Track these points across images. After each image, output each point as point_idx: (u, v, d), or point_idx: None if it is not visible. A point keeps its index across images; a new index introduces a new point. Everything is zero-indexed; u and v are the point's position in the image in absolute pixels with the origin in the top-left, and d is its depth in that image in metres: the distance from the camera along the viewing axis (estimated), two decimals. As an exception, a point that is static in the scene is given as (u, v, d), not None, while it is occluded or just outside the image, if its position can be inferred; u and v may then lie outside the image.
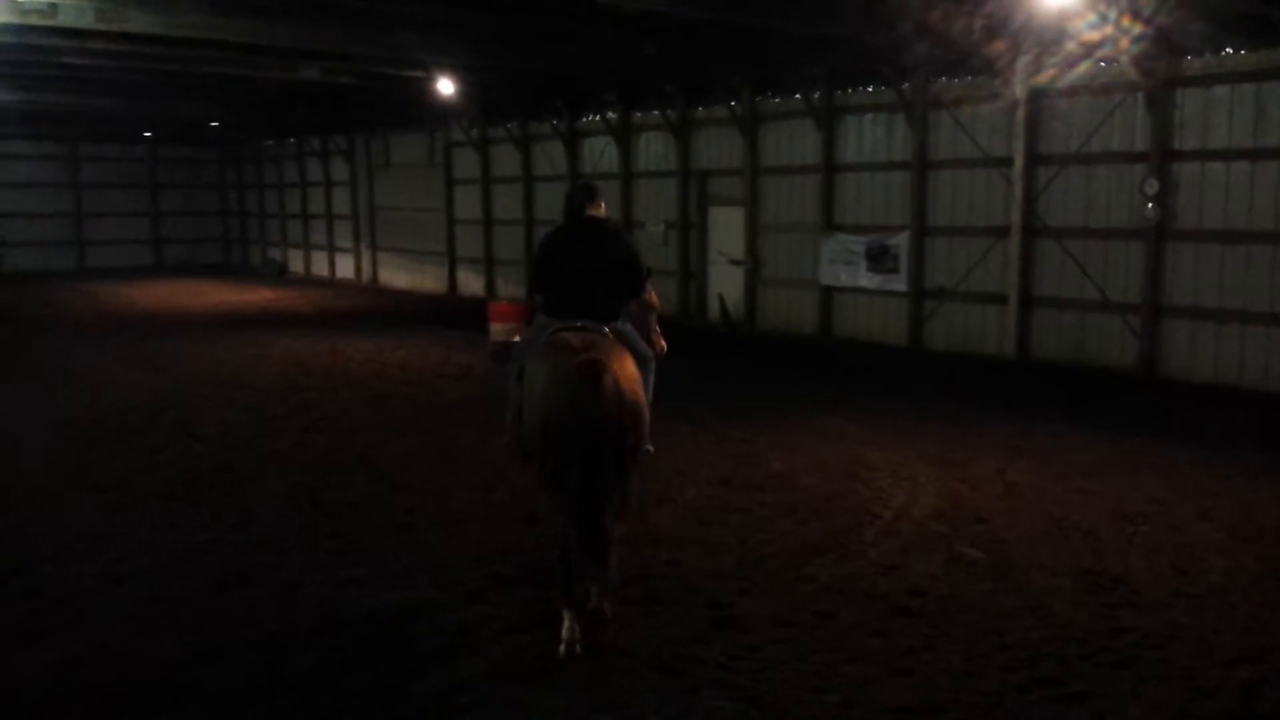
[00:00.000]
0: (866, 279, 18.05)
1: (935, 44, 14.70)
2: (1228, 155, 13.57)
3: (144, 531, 7.90)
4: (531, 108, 24.29)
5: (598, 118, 23.09)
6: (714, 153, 20.89)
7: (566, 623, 5.73)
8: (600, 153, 23.40)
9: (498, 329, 16.23)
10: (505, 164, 26.25)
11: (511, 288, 25.89)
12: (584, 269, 6.41)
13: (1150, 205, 14.21)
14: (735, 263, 20.48)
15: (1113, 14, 11.82)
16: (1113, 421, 11.45)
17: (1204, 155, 13.82)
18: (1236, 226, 13.55)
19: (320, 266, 34.71)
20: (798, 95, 18.70)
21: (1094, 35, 12.85)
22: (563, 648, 5.64)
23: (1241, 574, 6.83)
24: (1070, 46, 13.86)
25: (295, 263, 36.13)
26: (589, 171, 23.75)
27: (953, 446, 10.37)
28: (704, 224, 21.37)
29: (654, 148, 22.24)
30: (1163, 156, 14.11)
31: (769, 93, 19.50)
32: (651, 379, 6.70)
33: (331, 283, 32.81)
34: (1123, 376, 14.46)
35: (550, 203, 24.81)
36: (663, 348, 7.17)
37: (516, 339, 16.97)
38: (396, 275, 30.94)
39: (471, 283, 27.81)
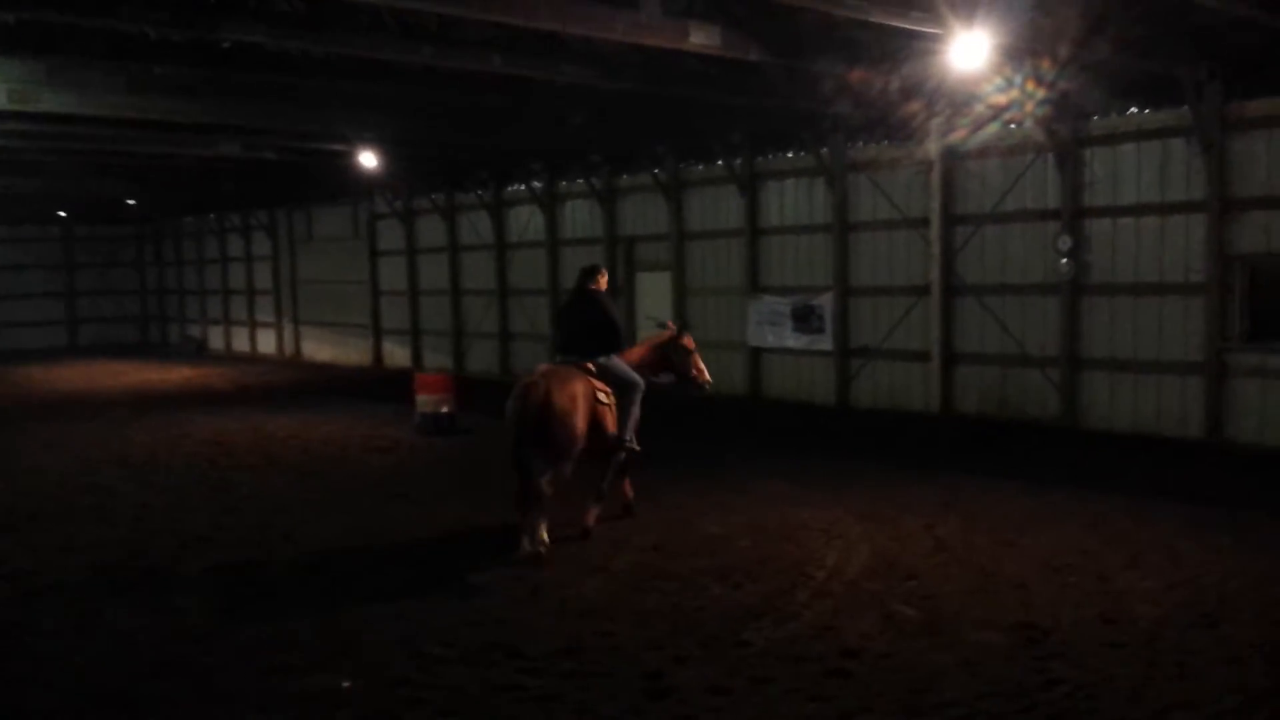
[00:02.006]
0: (793, 339, 18.25)
1: (852, 108, 15.10)
2: (1137, 210, 14.05)
3: (57, 620, 7.56)
4: (457, 179, 24.34)
5: (524, 187, 23.21)
6: (640, 219, 21.09)
7: (524, 542, 8.60)
8: (527, 221, 23.48)
9: (425, 400, 16.08)
10: (430, 234, 26.20)
11: (439, 358, 25.69)
12: (576, 324, 9.59)
13: (1064, 261, 14.61)
14: (662, 326, 20.47)
15: (1018, 79, 12.23)
16: (1038, 474, 11.61)
17: (1114, 211, 14.29)
18: (1148, 279, 13.98)
19: (241, 342, 34.13)
20: (720, 162, 19.02)
21: (1002, 98, 13.28)
22: (522, 555, 8.54)
23: (1169, 622, 6.90)
24: (980, 109, 14.31)
25: (215, 339, 35.46)
26: (515, 240, 23.81)
27: (883, 504, 10.42)
28: (632, 289, 21.47)
29: (580, 215, 22.38)
30: (1074, 213, 14.56)
31: (692, 160, 19.80)
32: (635, 397, 9.48)
33: (253, 358, 32.24)
34: (1046, 428, 14.72)
35: (477, 272, 24.83)
36: (707, 380, 10.29)
37: (445, 409, 16.74)
38: (320, 349, 30.53)
39: (397, 354, 27.54)
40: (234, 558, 9.16)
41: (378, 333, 28.30)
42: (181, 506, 11.29)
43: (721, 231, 19.41)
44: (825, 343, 17.74)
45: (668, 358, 10.11)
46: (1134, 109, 14.02)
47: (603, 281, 9.81)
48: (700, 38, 10.67)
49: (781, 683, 6.08)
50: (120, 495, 11.95)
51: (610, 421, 9.23)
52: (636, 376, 9.51)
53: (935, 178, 16.03)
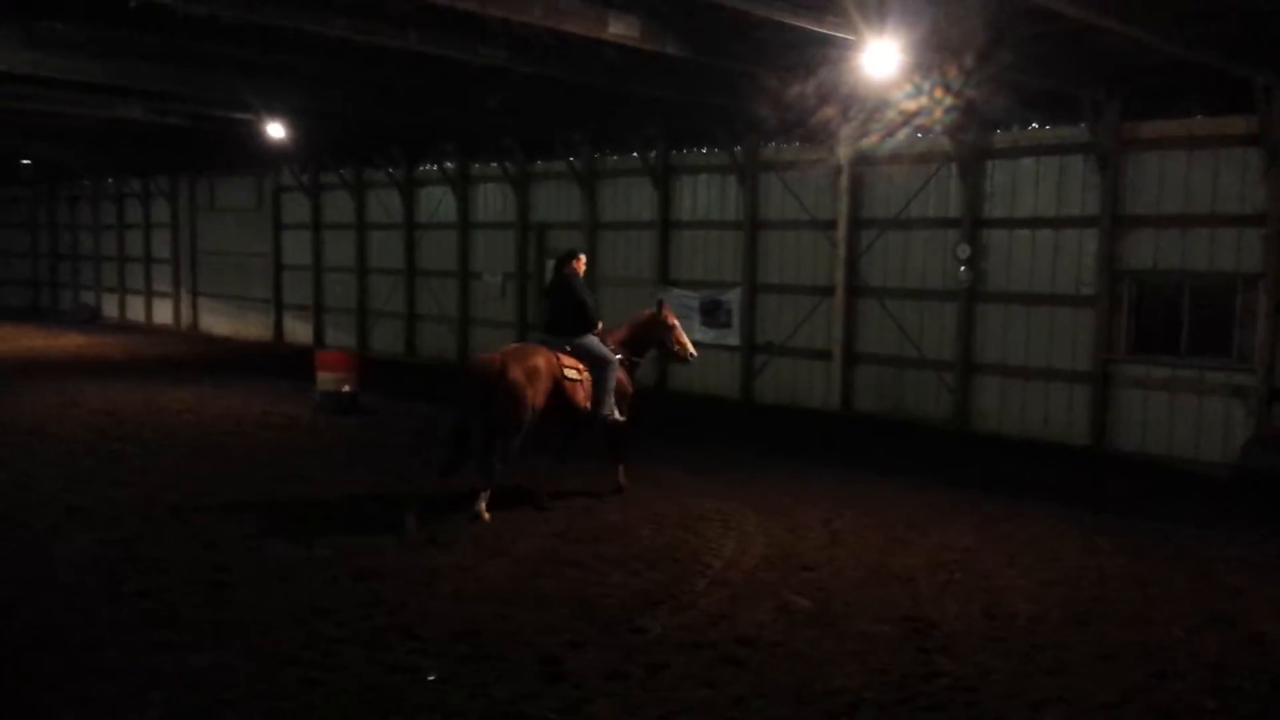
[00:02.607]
0: (701, 333, 18.38)
1: (766, 109, 15.29)
2: (1033, 223, 14.55)
3: (-75, 594, 7.26)
4: (367, 154, 23.93)
5: (436, 167, 22.95)
6: (553, 206, 21.04)
7: (482, 498, 9.47)
8: (438, 202, 23.22)
9: (325, 378, 15.82)
10: (338, 210, 25.70)
11: (342, 336, 25.26)
12: (555, 306, 10.46)
13: (963, 268, 15.05)
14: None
15: (927, 86, 12.55)
16: (930, 473, 11.97)
17: (1011, 223, 14.77)
18: (1041, 290, 14.49)
19: (136, 312, 33.01)
20: (635, 154, 19.08)
21: (911, 105, 13.60)
22: (479, 508, 9.42)
23: (1045, 619, 7.20)
24: (890, 116, 14.63)
25: (110, 308, 34.21)
26: (425, 220, 23.52)
27: (781, 497, 10.63)
28: (542, 276, 21.38)
29: (493, 199, 22.23)
30: (974, 223, 15.01)
31: (608, 150, 19.82)
32: (609, 373, 10.21)
33: (148, 329, 31.22)
34: (939, 430, 15.16)
35: (385, 250, 24.46)
36: (692, 353, 11.04)
37: (346, 389, 16.49)
38: (218, 321, 29.73)
39: (299, 331, 26.99)
40: (120, 532, 8.90)
41: (279, 308, 27.68)
42: (67, 477, 10.92)
43: (634, 223, 19.49)
44: (732, 338, 17.96)
45: (650, 334, 10.89)
46: (1035, 124, 14.51)
47: (578, 265, 10.60)
48: (619, 27, 10.69)
49: (676, 668, 6.18)
50: (1, 464, 11.50)
51: (582, 396, 10.03)
52: (608, 354, 10.23)
53: (844, 181, 16.35)
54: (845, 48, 10.66)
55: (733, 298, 17.93)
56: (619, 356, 10.45)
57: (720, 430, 15.24)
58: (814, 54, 11.63)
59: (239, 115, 18.24)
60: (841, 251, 16.41)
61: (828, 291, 16.70)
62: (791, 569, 8.21)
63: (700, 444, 13.77)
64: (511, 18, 10.55)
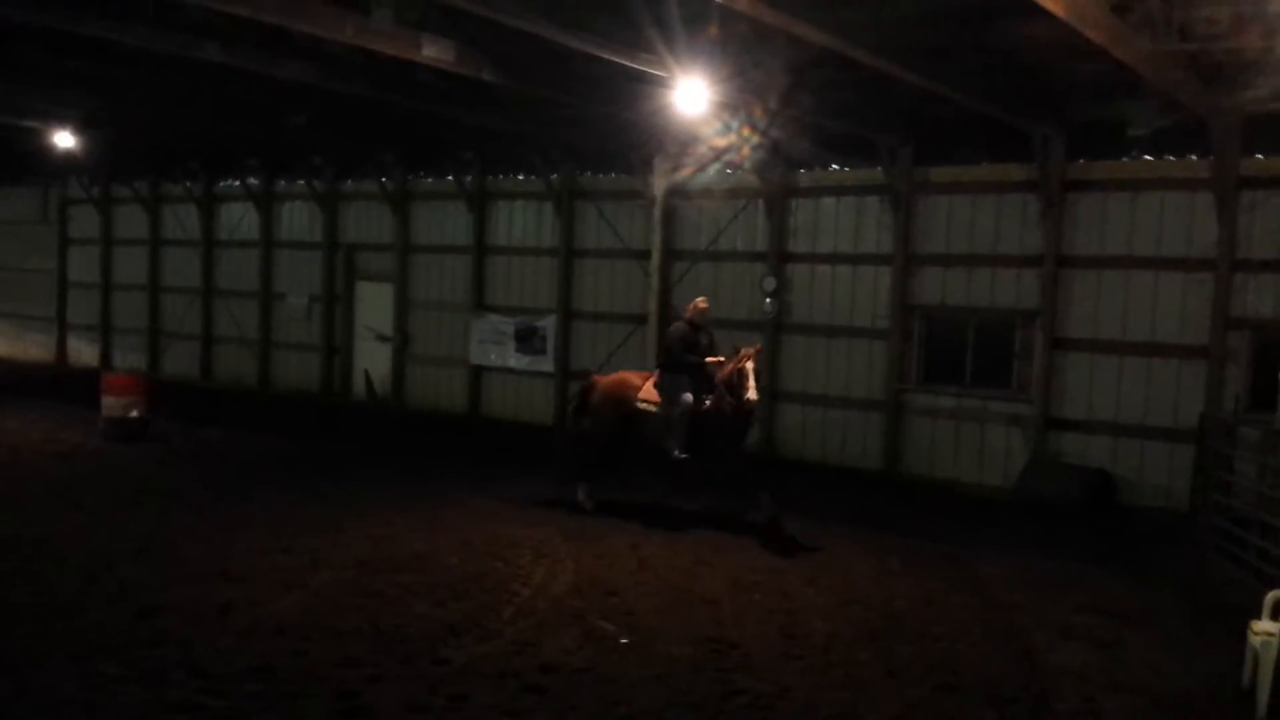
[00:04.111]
0: (515, 359, 18.37)
1: (582, 139, 15.48)
2: (833, 259, 15.23)
3: None
4: (164, 168, 22.78)
5: (238, 183, 22.06)
6: (363, 227, 20.56)
7: (580, 490, 11.29)
8: (239, 219, 22.31)
9: (112, 402, 14.89)
10: (131, 225, 24.30)
11: (132, 358, 23.83)
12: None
13: (768, 300, 15.59)
14: (383, 339, 20.14)
15: (735, 124, 13.00)
16: (735, 497, 12.24)
17: (814, 258, 15.42)
18: (839, 322, 15.17)
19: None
20: (450, 177, 18.90)
21: (721, 142, 14.05)
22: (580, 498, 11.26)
23: (840, 637, 7.49)
24: (701, 151, 15.07)
25: None
26: (225, 238, 22.54)
27: (591, 523, 10.69)
28: (351, 298, 20.88)
29: (299, 218, 21.52)
30: (780, 257, 15.59)
31: (422, 172, 19.56)
32: (675, 410, 10.81)
33: (-89, 347, 28.61)
34: (746, 455, 15.52)
35: (181, 268, 23.29)
36: (751, 399, 10.46)
37: (135, 414, 15.64)
38: (-6, 341, 27.58)
39: (84, 352, 25.28)
40: None
41: (63, 327, 25.89)
42: None
43: (448, 247, 19.27)
44: (546, 364, 17.97)
45: (732, 376, 10.69)
46: (836, 165, 15.23)
47: (688, 309, 11.36)
48: (433, 51, 10.60)
49: (479, 699, 6.10)
50: None
51: (653, 425, 10.97)
52: (678, 393, 10.79)
53: (657, 213, 16.68)
54: (658, 84, 10.93)
55: (548, 324, 17.96)
56: (702, 396, 10.77)
57: (534, 456, 15.16)
58: (628, 88, 11.87)
59: (24, 123, 17.08)
60: (655, 281, 16.72)
61: (642, 320, 16.96)
62: (599, 595, 8.25)
63: (514, 470, 13.67)
64: (321, 35, 10.31)
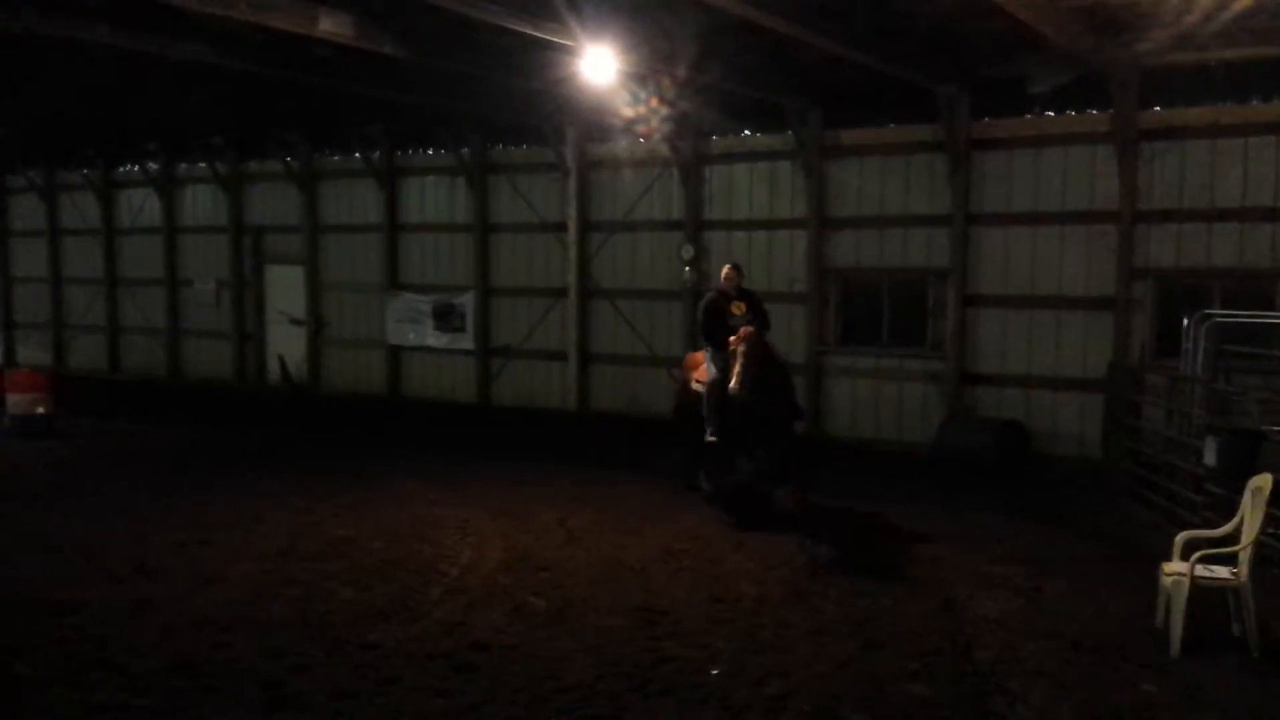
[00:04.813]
0: (434, 338, 18.15)
1: (491, 111, 15.25)
2: (749, 225, 15.29)
3: None
4: (60, 155, 21.93)
5: (137, 168, 21.34)
6: (270, 208, 20.06)
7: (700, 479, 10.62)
8: (141, 205, 21.61)
9: (16, 399, 14.41)
10: (26, 215, 23.44)
11: (37, 352, 23.00)
12: None
13: (687, 269, 15.61)
14: (296, 322, 19.73)
15: (645, 94, 12.93)
16: (662, 467, 12.28)
17: (730, 225, 15.46)
18: (758, 289, 15.11)
19: None
20: (358, 154, 18.52)
21: (631, 113, 13.95)
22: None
23: (767, 599, 7.57)
24: (613, 121, 14.95)
25: None
26: (128, 226, 21.83)
27: (519, 499, 10.63)
28: (261, 282, 20.39)
29: (202, 201, 20.92)
30: (696, 225, 15.60)
31: (328, 150, 19.13)
32: (708, 390, 10.10)
33: None
34: (671, 424, 15.56)
35: (82, 258, 22.52)
36: (734, 386, 9.43)
37: (41, 410, 15.10)
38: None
39: (-16, 349, 24.39)
40: None
41: (-42, 324, 24.91)
42: None
43: (360, 226, 18.91)
44: (466, 342, 17.80)
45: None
46: (747, 131, 15.26)
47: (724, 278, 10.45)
48: (330, 25, 10.33)
49: (409, 681, 6.03)
50: None
51: (704, 406, 10.19)
52: (710, 372, 10.09)
53: (572, 185, 16.56)
54: (566, 53, 10.81)
55: (466, 301, 17.76)
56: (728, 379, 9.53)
57: (457, 435, 15.06)
58: (536, 58, 11.72)
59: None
60: (573, 254, 16.63)
61: (561, 293, 16.87)
62: (528, 571, 8.21)
63: (437, 450, 13.54)
64: (213, 12, 9.97)
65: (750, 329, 9.65)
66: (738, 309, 10.10)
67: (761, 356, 9.56)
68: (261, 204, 20.17)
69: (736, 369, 9.41)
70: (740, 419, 9.68)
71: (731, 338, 9.69)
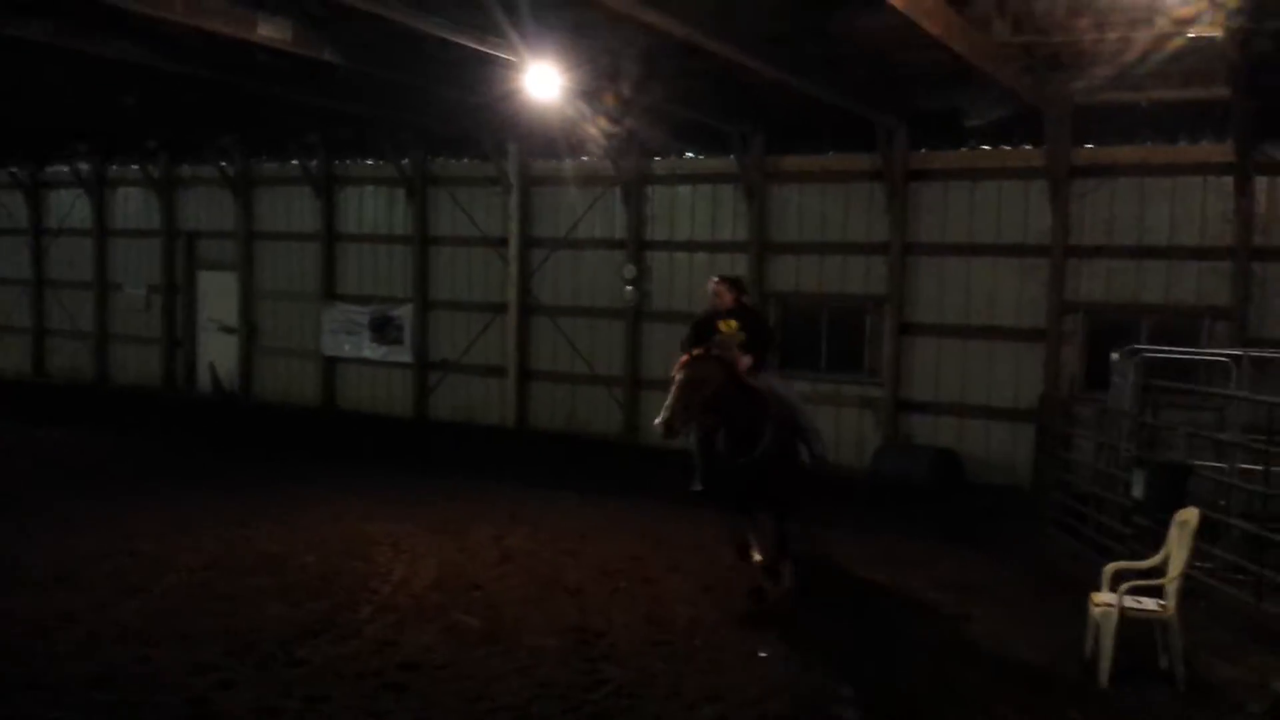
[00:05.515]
0: (370, 350, 17.91)
1: (433, 123, 15.14)
2: (690, 247, 15.36)
3: None
4: (-16, 152, 21.31)
5: (67, 168, 20.81)
6: (204, 213, 19.67)
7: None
8: (69, 207, 21.07)
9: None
10: (-51, 213, 22.72)
11: (-44, 356, 22.27)
12: None
13: (629, 288, 15.63)
14: (228, 330, 19.35)
15: (589, 112, 12.94)
16: (601, 485, 12.28)
17: (671, 245, 15.52)
18: (698, 310, 15.26)
19: None
20: (296, 161, 18.26)
21: (575, 129, 13.95)
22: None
23: (703, 621, 7.56)
24: (556, 138, 14.94)
25: None
26: (56, 226, 21.26)
27: (454, 516, 10.51)
28: (192, 289, 19.98)
29: (134, 204, 20.46)
30: (638, 245, 15.63)
31: (265, 156, 18.84)
32: None
33: None
34: (611, 443, 15.59)
35: (8, 259, 21.87)
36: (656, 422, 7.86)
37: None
38: None
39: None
40: None
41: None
42: None
43: (295, 234, 18.63)
44: (404, 354, 17.59)
45: None
46: (690, 154, 15.35)
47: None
48: (269, 30, 10.18)
49: (338, 700, 5.92)
50: None
51: None
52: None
53: (514, 200, 16.49)
54: (509, 68, 10.78)
55: (404, 313, 17.58)
56: None
57: (393, 449, 14.86)
58: (479, 72, 11.67)
59: None
60: (513, 269, 16.55)
61: (501, 309, 16.77)
62: (461, 589, 8.12)
63: (371, 463, 13.36)
64: (150, 13, 9.77)
65: (697, 353, 7.85)
66: (726, 327, 8.54)
67: (713, 391, 7.63)
68: (195, 209, 19.77)
69: (666, 402, 7.67)
70: (722, 470, 8.08)
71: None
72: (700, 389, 7.58)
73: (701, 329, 8.59)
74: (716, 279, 8.93)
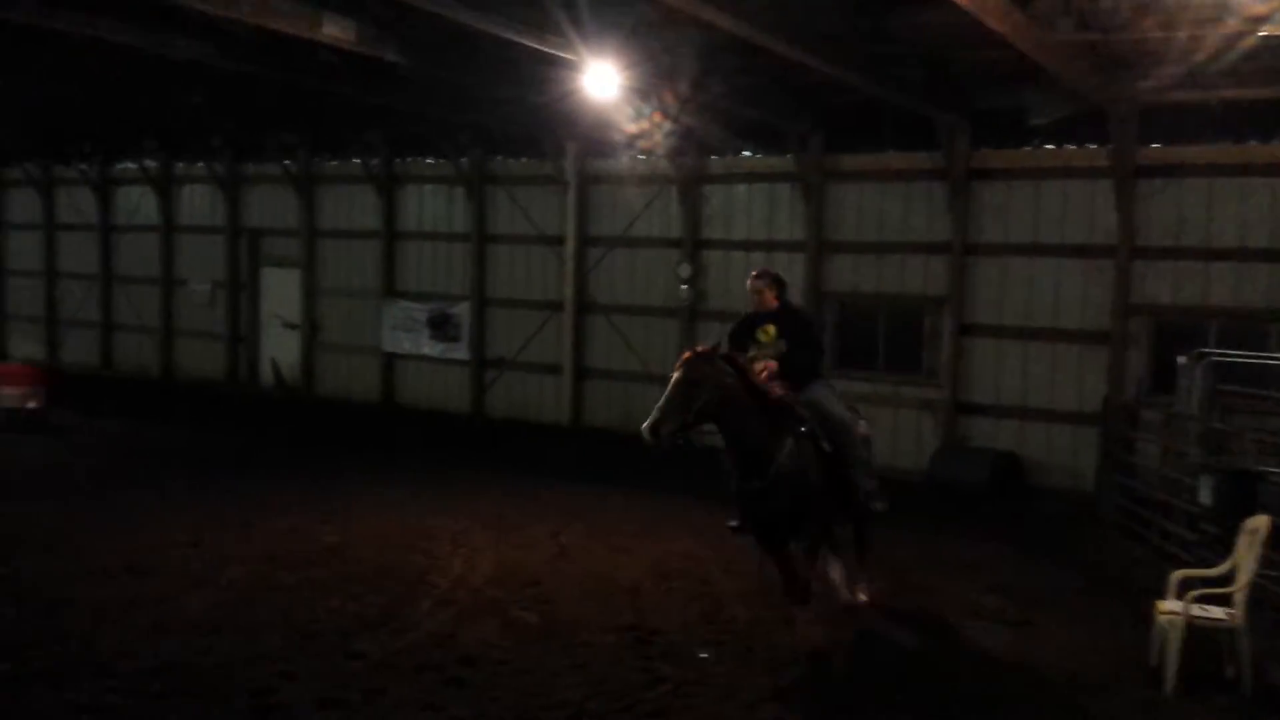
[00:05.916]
0: (429, 347, 18.10)
1: (493, 123, 15.24)
2: (747, 246, 15.29)
3: None
4: (57, 149, 21.85)
5: (135, 166, 21.28)
6: (268, 211, 20.00)
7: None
8: (136, 203, 21.54)
9: (7, 394, 14.35)
10: (22, 209, 23.33)
11: (30, 346, 22.86)
12: None
13: (684, 287, 15.61)
14: (291, 326, 19.66)
15: (647, 110, 12.95)
16: (656, 484, 12.22)
17: (728, 245, 15.47)
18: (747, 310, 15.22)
19: None
20: (358, 160, 18.50)
21: (633, 128, 13.96)
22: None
23: (760, 622, 7.52)
24: (615, 137, 14.97)
25: None
26: (124, 223, 21.76)
27: (511, 512, 10.58)
28: (256, 285, 20.33)
29: (200, 201, 20.86)
30: (694, 244, 15.61)
31: (327, 154, 19.11)
32: None
33: None
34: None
35: (78, 254, 22.43)
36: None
37: (32, 405, 15.00)
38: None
39: (-25, 342, 24.25)
40: None
41: (-51, 316, 24.76)
42: None
43: (357, 232, 18.87)
44: (461, 351, 17.74)
45: None
46: (748, 153, 15.29)
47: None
48: (333, 30, 10.29)
49: (396, 694, 5.98)
50: None
51: None
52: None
53: (571, 198, 16.56)
54: (568, 68, 10.81)
55: (461, 311, 17.73)
56: None
57: (451, 445, 15.00)
58: (539, 72, 11.72)
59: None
60: (570, 268, 16.61)
61: (557, 307, 16.83)
62: (519, 585, 8.17)
63: (430, 460, 13.48)
64: (216, 12, 9.96)
65: (701, 349, 6.91)
66: (764, 336, 7.54)
67: (715, 397, 6.74)
68: (259, 206, 20.11)
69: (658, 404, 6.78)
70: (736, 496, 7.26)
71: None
72: (698, 392, 6.66)
73: (738, 337, 7.61)
74: (755, 273, 7.82)
